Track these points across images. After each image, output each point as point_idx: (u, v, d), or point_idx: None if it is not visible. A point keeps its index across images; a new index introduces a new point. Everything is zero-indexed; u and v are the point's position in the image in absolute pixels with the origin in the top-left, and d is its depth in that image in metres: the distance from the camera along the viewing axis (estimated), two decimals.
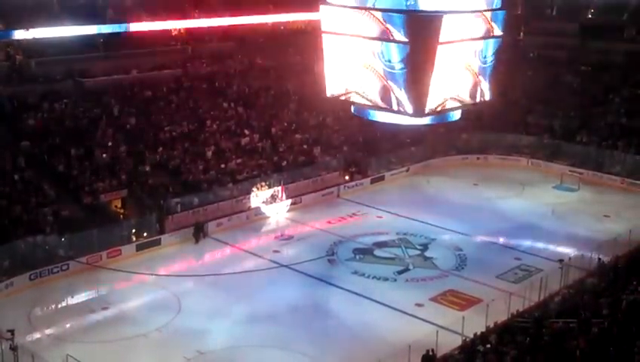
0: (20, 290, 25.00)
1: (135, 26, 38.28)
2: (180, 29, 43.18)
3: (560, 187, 37.13)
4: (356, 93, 22.25)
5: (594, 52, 46.26)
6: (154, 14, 39.66)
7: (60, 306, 24.82)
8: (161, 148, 34.02)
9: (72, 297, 25.37)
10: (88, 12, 37.49)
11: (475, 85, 21.92)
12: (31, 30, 34.37)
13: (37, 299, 24.76)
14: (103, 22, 37.45)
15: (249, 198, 32.76)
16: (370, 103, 21.92)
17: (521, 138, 41.57)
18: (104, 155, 32.25)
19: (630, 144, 38.43)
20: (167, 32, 41.91)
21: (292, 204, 33.88)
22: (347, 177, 36.94)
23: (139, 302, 24.99)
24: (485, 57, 21.86)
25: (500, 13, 21.54)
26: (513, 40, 45.41)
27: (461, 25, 20.42)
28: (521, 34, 49.48)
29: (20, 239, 26.15)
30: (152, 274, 27.02)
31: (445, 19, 19.62)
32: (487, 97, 22.32)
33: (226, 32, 44.34)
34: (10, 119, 32.85)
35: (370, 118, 22.86)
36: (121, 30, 37.95)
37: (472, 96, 21.98)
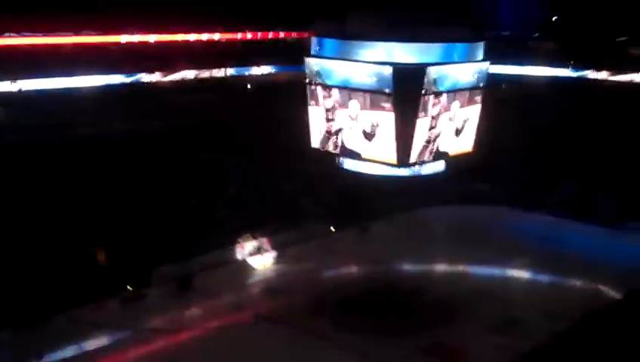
0: (1, 345, 24.39)
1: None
2: (165, 82, 43.49)
3: (544, 237, 37.05)
4: (340, 143, 22.50)
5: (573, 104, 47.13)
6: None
7: None
8: (147, 199, 33.86)
9: (54, 352, 24.78)
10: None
11: (459, 136, 22.25)
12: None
13: (18, 354, 24.13)
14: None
15: (236, 250, 32.58)
16: (353, 153, 22.15)
17: (506, 187, 41.82)
18: (89, 207, 32.01)
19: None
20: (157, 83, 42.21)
21: (278, 254, 33.70)
22: (333, 228, 36.89)
23: (122, 358, 24.47)
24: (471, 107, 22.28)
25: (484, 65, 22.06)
26: (496, 91, 46.09)
27: (447, 76, 20.86)
28: (503, 85, 50.25)
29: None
30: (135, 329, 26.53)
31: (430, 70, 20.05)
32: (470, 148, 22.66)
33: (213, 83, 44.67)
34: None
35: (354, 169, 23.08)
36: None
37: (456, 147, 22.30)
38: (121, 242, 30.77)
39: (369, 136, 21.56)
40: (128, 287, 28.80)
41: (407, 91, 20.19)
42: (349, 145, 22.38)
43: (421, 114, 20.60)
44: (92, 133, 37.40)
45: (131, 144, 37.42)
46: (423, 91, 20.32)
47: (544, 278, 32.50)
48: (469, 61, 21.94)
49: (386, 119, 20.59)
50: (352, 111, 21.58)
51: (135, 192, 34.59)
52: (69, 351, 25.16)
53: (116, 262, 29.89)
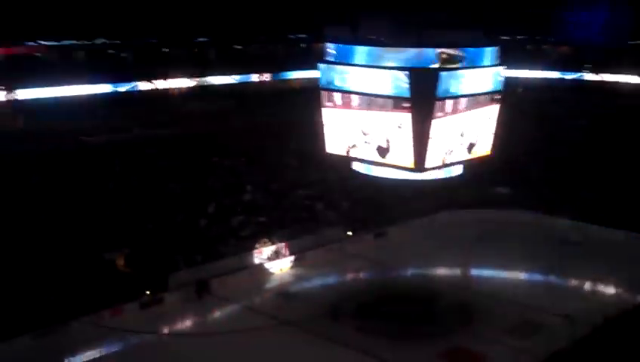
0: (21, 350, 24.54)
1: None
2: (180, 88, 43.89)
3: (564, 241, 36.89)
4: (355, 148, 22.51)
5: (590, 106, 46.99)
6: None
7: None
8: (164, 206, 34.10)
9: (74, 357, 25.08)
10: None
11: (476, 141, 22.18)
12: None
13: (38, 358, 24.37)
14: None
15: (252, 255, 32.70)
16: (369, 159, 22.14)
17: (523, 192, 41.57)
18: (107, 213, 32.26)
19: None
20: (169, 90, 42.63)
21: (295, 259, 33.78)
22: (350, 233, 36.89)
23: None
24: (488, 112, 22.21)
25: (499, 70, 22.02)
26: (512, 95, 46.09)
27: (461, 80, 20.83)
28: (520, 89, 50.18)
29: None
30: (154, 333, 26.75)
31: (443, 75, 20.04)
32: (489, 151, 22.60)
33: (227, 90, 45.00)
34: (13, 178, 33.08)
35: (370, 174, 23.07)
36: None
37: (473, 151, 22.24)
38: (140, 248, 30.97)
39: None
40: (147, 292, 28.97)
41: (422, 95, 20.19)
42: (363, 149, 22.35)
43: (437, 116, 20.58)
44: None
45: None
46: (437, 95, 20.32)
47: (564, 282, 32.32)
48: (483, 66, 21.87)
49: (406, 120, 20.49)
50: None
51: (153, 199, 34.85)
52: (89, 355, 25.37)
53: (135, 268, 30.09)
